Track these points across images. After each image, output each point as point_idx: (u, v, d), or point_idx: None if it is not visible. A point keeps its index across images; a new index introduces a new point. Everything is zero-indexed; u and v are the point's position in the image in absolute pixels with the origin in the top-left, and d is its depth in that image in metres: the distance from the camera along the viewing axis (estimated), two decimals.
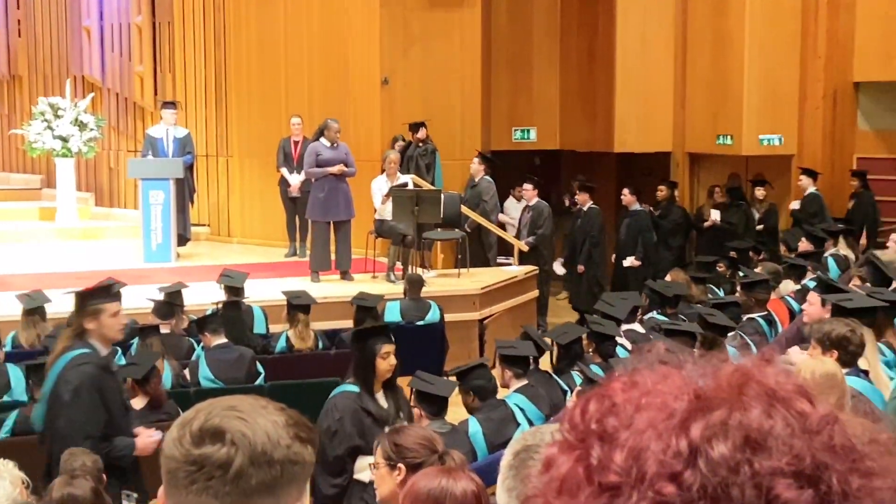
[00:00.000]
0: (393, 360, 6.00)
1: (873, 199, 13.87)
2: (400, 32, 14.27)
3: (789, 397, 0.86)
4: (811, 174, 14.08)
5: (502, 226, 14.26)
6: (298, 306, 9.10)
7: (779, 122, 14.74)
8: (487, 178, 13.88)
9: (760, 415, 0.84)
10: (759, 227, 14.25)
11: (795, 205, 14.19)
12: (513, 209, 14.68)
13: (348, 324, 9.50)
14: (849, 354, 5.59)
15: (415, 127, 13.69)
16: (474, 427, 6.45)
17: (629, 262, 13.69)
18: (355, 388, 5.97)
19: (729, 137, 14.85)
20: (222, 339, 8.28)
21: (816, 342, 5.79)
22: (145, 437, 5.74)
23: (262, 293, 10.41)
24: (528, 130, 16.21)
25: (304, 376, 8.41)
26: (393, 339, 6.20)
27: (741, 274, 9.88)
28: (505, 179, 14.73)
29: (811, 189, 13.97)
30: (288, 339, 9.09)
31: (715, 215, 14.36)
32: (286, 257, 13.78)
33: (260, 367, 8.42)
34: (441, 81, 14.40)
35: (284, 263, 13.41)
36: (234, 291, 9.44)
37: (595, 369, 7.45)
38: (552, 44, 16.19)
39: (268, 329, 9.69)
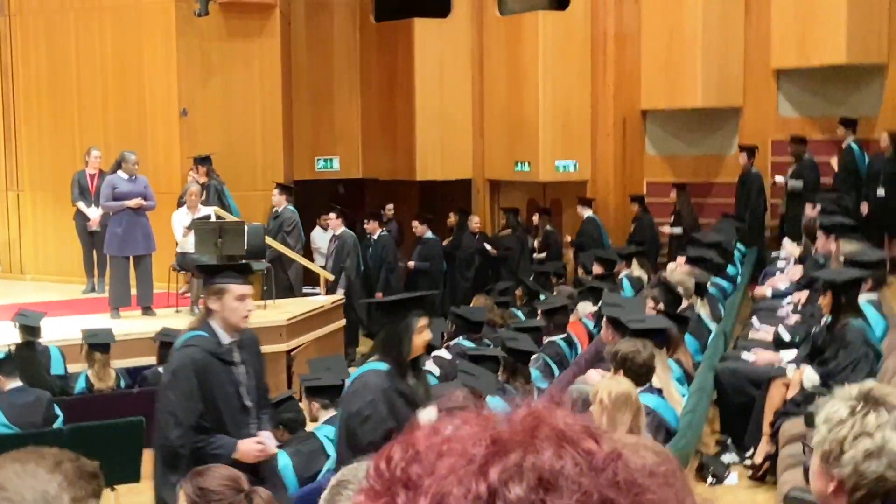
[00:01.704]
0: (429, 335, 5.40)
1: (652, 221, 14.57)
2: (198, 62, 14.07)
3: (577, 438, 0.92)
4: (586, 202, 14.75)
5: (309, 255, 14.22)
6: (96, 345, 8.81)
7: (573, 148, 15.30)
8: (290, 207, 13.82)
9: (551, 456, 0.90)
10: (542, 254, 14.75)
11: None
12: (319, 239, 14.67)
13: (151, 361, 9.28)
14: (638, 373, 5.83)
15: (202, 160, 13.32)
16: (284, 460, 6.41)
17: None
18: (384, 366, 5.29)
19: (526, 164, 15.31)
20: (17, 382, 7.92)
21: (611, 362, 6.04)
22: (250, 443, 5.13)
23: (60, 332, 10.01)
24: (331, 159, 16.25)
25: (106, 417, 8.12)
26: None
27: (542, 298, 10.18)
28: (311, 209, 14.72)
29: (588, 214, 14.61)
30: (87, 379, 8.79)
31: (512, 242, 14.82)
32: (84, 294, 13.31)
33: (58, 410, 8.09)
34: (241, 111, 14.28)
35: (83, 300, 12.95)
36: (30, 331, 9.05)
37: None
38: (353, 73, 16.32)
39: (66, 369, 9.33)
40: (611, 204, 15.30)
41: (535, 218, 15.16)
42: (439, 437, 0.93)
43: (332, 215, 13.89)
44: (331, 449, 6.54)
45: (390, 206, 15.89)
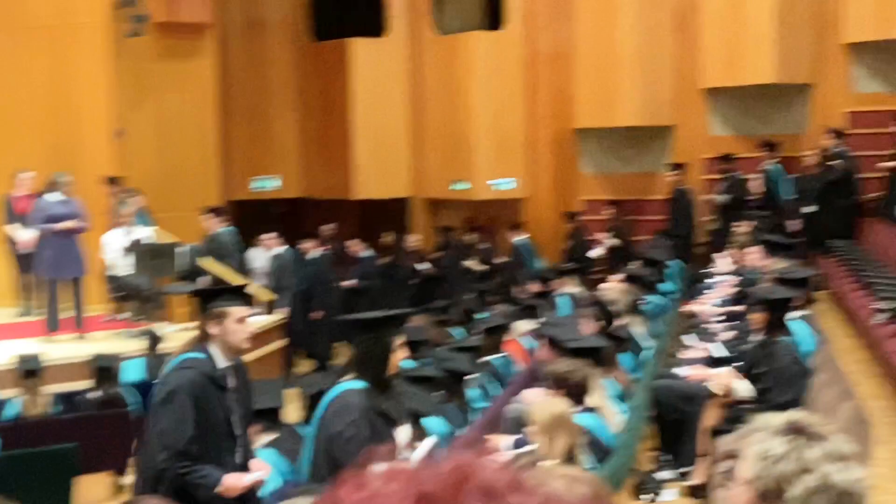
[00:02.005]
0: (403, 353, 5.32)
1: (587, 239, 14.71)
2: (132, 83, 13.93)
3: (504, 492, 0.94)
4: (515, 226, 14.86)
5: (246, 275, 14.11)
6: (26, 370, 8.68)
7: (510, 166, 15.41)
8: (225, 228, 13.71)
9: None
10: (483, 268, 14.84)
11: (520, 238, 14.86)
12: (256, 259, 14.56)
13: (86, 385, 9.16)
14: (573, 390, 5.88)
15: (111, 181, 13.13)
16: None
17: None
18: (361, 385, 5.11)
19: (464, 183, 15.38)
20: None
21: (548, 382, 6.09)
22: (236, 478, 4.91)
23: None
24: (268, 179, 16.18)
25: (39, 444, 8.00)
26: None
27: (481, 317, 10.21)
28: (249, 229, 14.62)
29: (517, 238, 14.72)
30: (20, 405, 8.64)
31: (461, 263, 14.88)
32: (17, 318, 13.07)
33: None
34: (177, 132, 14.16)
35: (15, 324, 12.71)
36: None
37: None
38: (289, 92, 16.28)
39: None
40: (547, 222, 15.42)
41: (468, 237, 15.22)
42: (365, 492, 0.94)
43: (269, 235, 13.82)
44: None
45: (329, 225, 15.84)
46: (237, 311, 4.99)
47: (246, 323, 5.01)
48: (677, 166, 14.40)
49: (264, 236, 13.91)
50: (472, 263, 14.98)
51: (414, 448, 5.23)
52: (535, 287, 11.91)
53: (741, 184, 13.95)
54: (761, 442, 2.24)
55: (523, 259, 14.46)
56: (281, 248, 13.81)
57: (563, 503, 0.98)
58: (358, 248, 14.41)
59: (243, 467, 5.05)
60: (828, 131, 13.46)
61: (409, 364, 8.81)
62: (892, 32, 13.24)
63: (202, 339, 5.04)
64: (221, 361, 5.00)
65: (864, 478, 2.23)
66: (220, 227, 13.65)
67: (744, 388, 6.32)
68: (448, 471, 0.96)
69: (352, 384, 5.15)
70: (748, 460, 2.26)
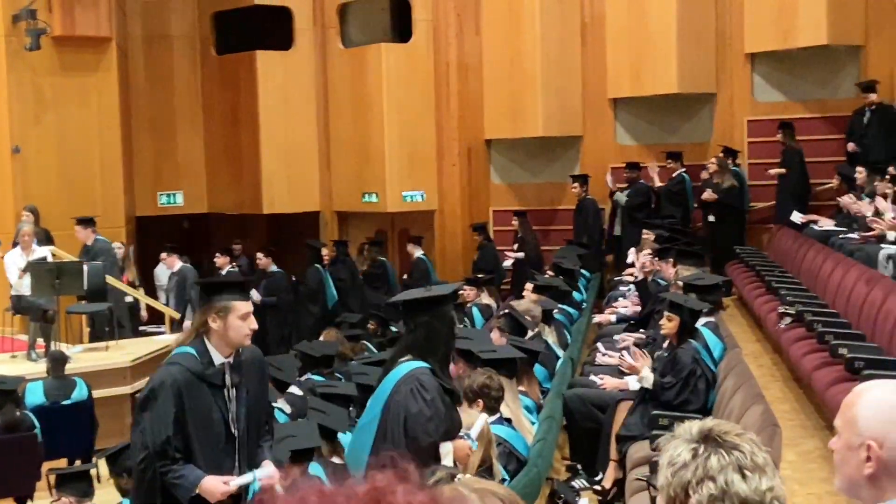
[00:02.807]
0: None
1: (495, 250, 14.79)
2: (30, 98, 13.59)
3: None
4: (416, 240, 14.87)
5: (153, 293, 13.87)
6: None
7: (420, 179, 15.40)
8: (101, 238, 13.26)
9: None
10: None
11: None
12: (163, 275, 14.33)
13: None
14: (492, 401, 5.88)
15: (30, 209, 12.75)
16: None
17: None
18: (426, 365, 5.02)
19: (374, 195, 15.32)
20: None
21: (462, 396, 6.05)
22: (216, 481, 4.63)
23: None
24: (175, 194, 15.93)
25: None
26: None
27: (394, 330, 10.15)
28: (155, 245, 14.38)
29: (418, 253, 14.73)
30: None
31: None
32: None
33: None
34: (78, 148, 13.85)
35: None
36: None
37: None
38: (194, 106, 16.06)
39: None
40: (458, 232, 15.45)
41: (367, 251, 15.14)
42: None
43: (166, 254, 13.64)
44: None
45: (238, 241, 15.64)
46: (241, 306, 4.78)
47: (248, 319, 4.80)
48: (578, 178, 14.58)
49: (163, 254, 13.70)
50: (356, 275, 14.84)
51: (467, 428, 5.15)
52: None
53: (645, 191, 14.19)
54: (673, 449, 2.28)
55: (423, 275, 14.46)
56: (180, 265, 13.57)
57: None
58: (266, 262, 14.22)
59: (249, 469, 4.80)
60: (722, 150, 13.76)
61: (320, 379, 8.73)
62: (790, 42, 13.57)
63: (199, 334, 4.81)
64: (218, 357, 4.77)
65: (774, 487, 2.25)
66: (93, 237, 13.26)
67: (649, 379, 6.36)
68: (363, 493, 0.93)
69: (415, 364, 5.03)
70: (661, 467, 2.30)
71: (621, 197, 14.23)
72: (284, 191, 15.63)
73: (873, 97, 12.95)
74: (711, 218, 13.59)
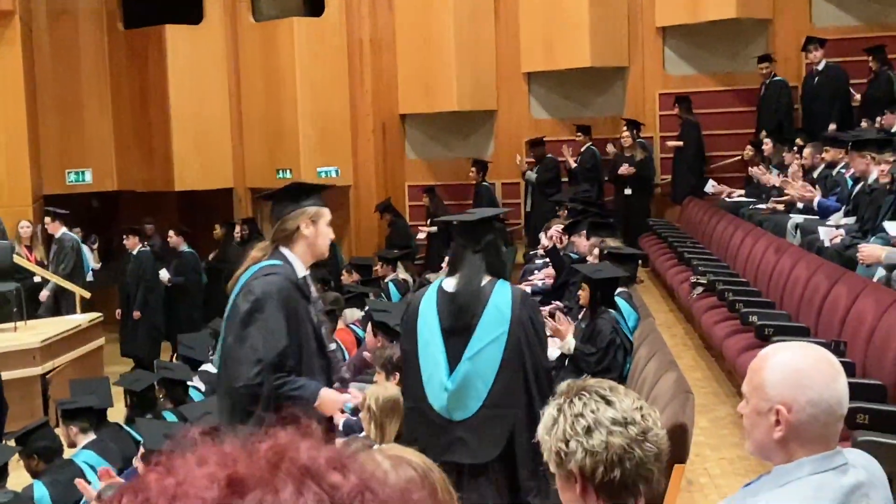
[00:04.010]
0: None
1: (407, 225, 14.78)
2: None
3: (321, 471, 0.88)
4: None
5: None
6: None
7: (334, 154, 15.28)
8: (67, 232, 13.08)
9: (292, 494, 0.85)
10: None
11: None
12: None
13: None
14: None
15: None
16: (40, 491, 6.09)
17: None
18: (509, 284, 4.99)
19: (288, 171, 15.15)
20: None
21: (380, 368, 6.05)
22: (334, 393, 4.47)
23: None
24: (83, 172, 15.58)
25: None
26: None
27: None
28: (68, 224, 14.01)
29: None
30: None
31: None
32: None
33: None
34: None
35: None
36: None
37: (168, 416, 7.31)
38: (102, 82, 15.69)
39: None
40: (373, 208, 15.36)
41: None
42: (173, 478, 0.87)
43: (48, 219, 13.17)
44: (91, 475, 6.25)
45: (149, 220, 15.30)
46: (328, 212, 4.67)
47: (330, 229, 4.67)
48: (477, 163, 14.62)
49: (46, 219, 13.29)
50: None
51: None
52: (351, 278, 11.92)
53: (553, 166, 14.29)
54: (545, 418, 2.36)
55: (333, 250, 14.37)
56: (63, 231, 13.10)
57: (386, 484, 0.92)
58: (177, 241, 13.96)
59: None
60: (625, 123, 13.90)
61: None
62: (699, 16, 13.74)
63: (277, 246, 4.55)
64: (301, 269, 4.55)
65: (643, 406, 2.33)
66: (62, 230, 13.07)
67: (571, 345, 6.41)
68: (264, 451, 0.90)
69: (499, 283, 4.89)
70: (541, 439, 2.37)
71: (531, 175, 14.32)
72: (196, 168, 15.37)
73: (766, 68, 13.18)
74: (628, 191, 13.73)
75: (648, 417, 2.31)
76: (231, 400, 4.46)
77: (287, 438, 0.92)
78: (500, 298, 4.82)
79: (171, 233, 14.04)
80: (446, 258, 5.98)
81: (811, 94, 12.89)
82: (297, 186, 4.78)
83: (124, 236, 13.67)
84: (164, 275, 13.85)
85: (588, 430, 2.27)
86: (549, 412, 2.35)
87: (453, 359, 4.77)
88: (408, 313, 5.02)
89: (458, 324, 4.79)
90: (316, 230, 4.58)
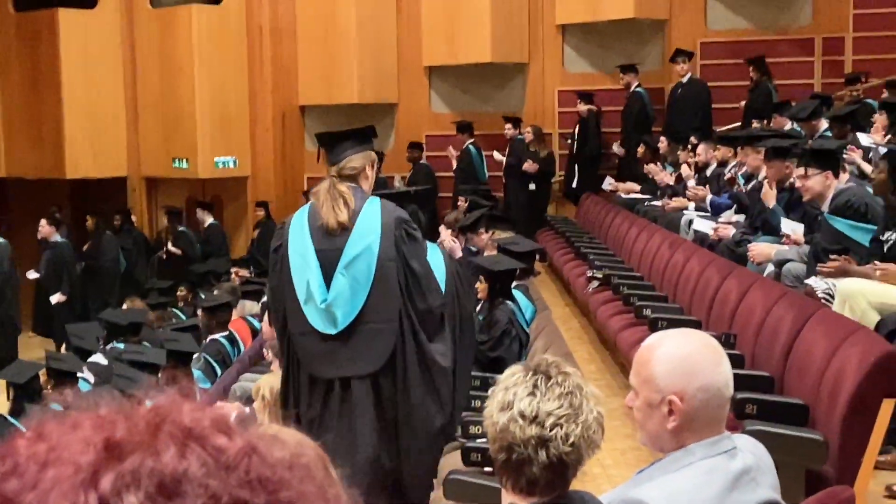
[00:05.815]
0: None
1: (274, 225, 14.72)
2: None
3: (205, 434, 0.84)
4: (206, 206, 14.73)
5: None
6: None
7: (232, 144, 15.06)
8: None
9: (174, 457, 0.81)
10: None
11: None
12: None
13: None
14: None
15: None
16: None
17: (56, 298, 13.19)
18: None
19: (185, 161, 14.89)
20: None
21: (274, 356, 5.98)
22: None
23: None
24: None
25: None
26: None
27: (202, 297, 9.94)
28: None
29: (209, 220, 14.54)
30: None
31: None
32: None
33: None
34: None
35: None
36: None
37: (56, 407, 7.11)
38: None
39: None
40: (271, 199, 15.19)
41: (200, 214, 14.77)
42: (45, 443, 0.82)
43: None
44: None
45: (56, 207, 14.79)
46: None
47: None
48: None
49: None
50: (193, 242, 14.50)
51: None
52: (242, 273, 11.83)
53: (426, 172, 14.32)
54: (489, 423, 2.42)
55: (218, 242, 14.27)
56: None
57: (278, 447, 0.89)
58: (48, 231, 13.42)
59: None
60: (506, 121, 13.97)
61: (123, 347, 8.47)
62: (598, 15, 13.90)
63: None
64: None
65: (532, 439, 2.32)
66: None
67: None
68: (144, 414, 0.85)
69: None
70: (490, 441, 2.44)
71: (401, 185, 14.31)
72: (88, 155, 14.99)
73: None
74: (532, 186, 13.78)
75: (559, 430, 2.29)
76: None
77: (168, 401, 0.88)
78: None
79: (42, 222, 13.50)
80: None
81: (675, 105, 13.16)
82: (361, 130, 4.96)
83: (40, 224, 13.34)
84: (31, 274, 13.47)
85: (503, 407, 2.33)
86: (511, 377, 2.40)
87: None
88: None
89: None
90: (373, 175, 4.80)
